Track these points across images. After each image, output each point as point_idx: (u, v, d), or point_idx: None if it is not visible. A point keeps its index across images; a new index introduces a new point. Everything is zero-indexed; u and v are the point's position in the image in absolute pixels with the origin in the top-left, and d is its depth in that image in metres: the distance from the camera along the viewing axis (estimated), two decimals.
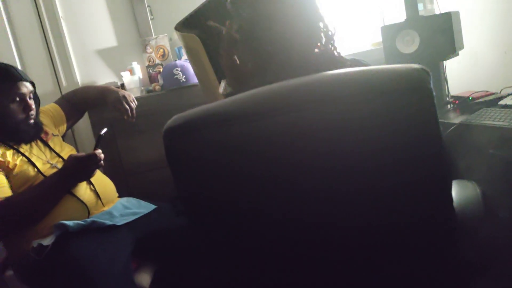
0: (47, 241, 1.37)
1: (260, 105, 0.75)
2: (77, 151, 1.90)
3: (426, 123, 0.73)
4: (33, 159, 1.51)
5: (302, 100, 0.73)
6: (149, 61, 2.23)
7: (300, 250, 0.80)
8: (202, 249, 0.85)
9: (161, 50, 2.24)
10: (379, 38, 1.93)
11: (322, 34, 0.90)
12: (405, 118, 0.72)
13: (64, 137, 1.82)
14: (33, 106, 1.57)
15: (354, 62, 0.94)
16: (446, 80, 1.94)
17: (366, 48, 2.17)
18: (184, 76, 2.01)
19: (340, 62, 0.91)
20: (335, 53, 0.92)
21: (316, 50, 0.90)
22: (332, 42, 0.91)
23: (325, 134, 0.73)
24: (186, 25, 1.46)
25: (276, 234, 0.80)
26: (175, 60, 2.11)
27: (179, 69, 2.01)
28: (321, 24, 0.90)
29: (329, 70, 0.78)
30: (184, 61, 2.08)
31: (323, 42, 0.90)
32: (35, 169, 1.49)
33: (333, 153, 0.73)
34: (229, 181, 0.77)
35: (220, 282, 0.89)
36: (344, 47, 2.20)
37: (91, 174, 1.49)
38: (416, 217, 0.77)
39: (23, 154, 1.51)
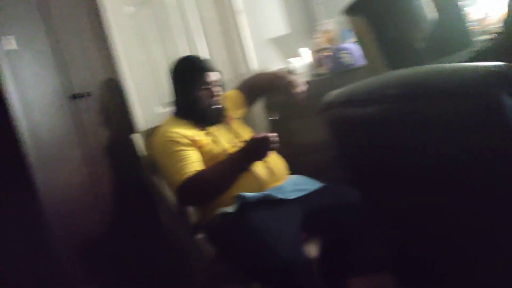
0: (230, 210, 1.56)
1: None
2: (254, 132, 2.10)
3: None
4: (219, 139, 1.75)
5: None
6: (318, 45, 2.32)
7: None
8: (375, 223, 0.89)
9: (329, 34, 2.30)
10: None
11: None
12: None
13: (242, 119, 2.04)
14: (219, 93, 1.81)
15: None
16: None
17: None
18: (351, 59, 2.04)
19: None
20: None
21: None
22: None
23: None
24: (353, 9, 1.49)
25: None
26: (343, 43, 2.15)
27: (346, 52, 2.05)
28: None
29: None
30: (352, 44, 2.11)
31: None
32: (221, 148, 1.72)
33: None
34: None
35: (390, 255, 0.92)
36: None
37: (266, 154, 1.66)
38: None
39: (211, 135, 1.76)
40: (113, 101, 2.00)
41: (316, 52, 2.31)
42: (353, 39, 2.19)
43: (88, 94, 1.75)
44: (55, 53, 1.64)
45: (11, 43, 1.38)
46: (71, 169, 1.57)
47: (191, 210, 1.81)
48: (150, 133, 1.81)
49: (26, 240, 1.36)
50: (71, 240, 1.50)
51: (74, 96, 1.68)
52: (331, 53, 2.14)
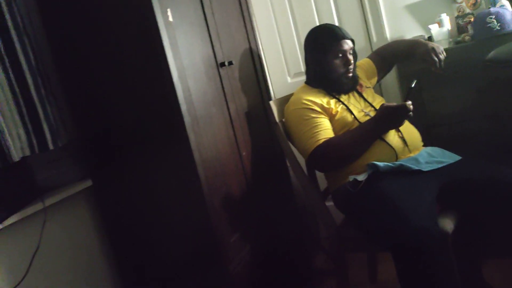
0: (361, 177, 1.57)
1: None
2: (386, 101, 2.07)
3: None
4: (351, 107, 1.76)
5: None
6: (459, 11, 2.16)
7: None
8: None
9: None
10: None
11: None
12: None
13: (373, 89, 2.01)
14: (352, 61, 1.80)
15: None
16: None
17: None
18: (498, 24, 1.88)
19: None
20: None
21: None
22: None
23: None
24: None
25: None
26: (489, 8, 1.99)
27: (493, 17, 1.88)
28: None
29: None
30: (500, 8, 1.93)
31: None
32: (352, 116, 1.73)
33: None
34: None
35: None
36: None
37: (400, 123, 1.62)
38: None
39: (343, 103, 1.77)
40: (252, 69, 2.12)
41: (456, 18, 2.16)
42: (501, 3, 2.01)
43: (231, 63, 1.88)
44: (206, 25, 1.78)
45: (169, 16, 1.54)
46: (215, 131, 1.72)
47: (321, 176, 1.86)
48: (283, 101, 1.89)
49: (183, 191, 1.55)
50: (219, 194, 1.66)
51: (220, 65, 1.81)
52: (475, 19, 1.99)
